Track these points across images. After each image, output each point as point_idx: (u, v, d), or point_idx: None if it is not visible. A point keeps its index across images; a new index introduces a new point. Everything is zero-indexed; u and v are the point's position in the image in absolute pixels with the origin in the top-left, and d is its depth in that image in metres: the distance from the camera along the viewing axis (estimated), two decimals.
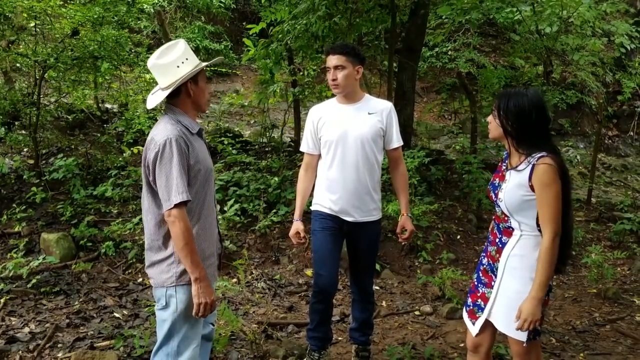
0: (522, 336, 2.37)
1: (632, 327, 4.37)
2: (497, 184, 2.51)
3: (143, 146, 6.89)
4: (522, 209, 2.37)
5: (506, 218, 2.46)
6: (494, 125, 2.47)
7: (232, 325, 3.57)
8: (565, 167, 2.35)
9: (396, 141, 3.33)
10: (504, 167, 2.51)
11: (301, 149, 3.43)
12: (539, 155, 2.31)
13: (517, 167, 2.38)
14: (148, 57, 7.26)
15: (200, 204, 2.44)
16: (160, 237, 2.39)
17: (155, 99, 2.48)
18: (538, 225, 2.36)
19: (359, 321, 3.49)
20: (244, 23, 9.55)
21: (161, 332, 2.42)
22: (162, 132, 2.33)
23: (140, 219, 5.44)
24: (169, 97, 2.43)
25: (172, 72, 2.37)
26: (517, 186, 2.36)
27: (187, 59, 2.41)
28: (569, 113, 10.69)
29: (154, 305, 3.74)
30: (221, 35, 12.77)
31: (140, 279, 4.97)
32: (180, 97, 2.43)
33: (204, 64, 2.49)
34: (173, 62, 2.38)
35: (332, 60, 3.13)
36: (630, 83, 9.51)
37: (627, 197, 7.95)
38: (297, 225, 3.29)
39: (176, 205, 2.24)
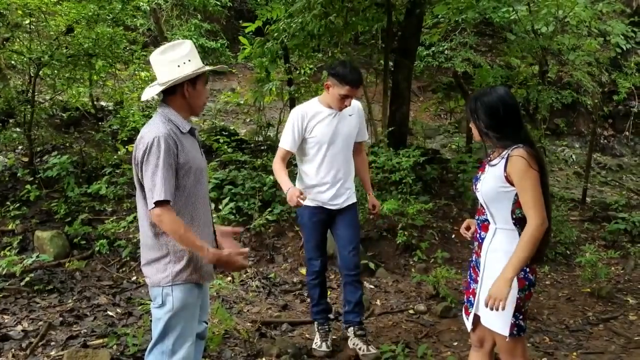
0: (504, 330, 2.40)
1: (625, 326, 4.38)
2: (478, 176, 2.58)
3: None
4: (497, 199, 2.42)
5: (483, 210, 2.54)
6: (474, 129, 2.55)
7: (226, 324, 3.57)
8: (541, 158, 2.40)
9: (365, 135, 3.89)
10: (487, 161, 2.59)
11: (283, 146, 3.60)
12: (513, 147, 2.38)
13: (492, 161, 2.49)
14: (143, 55, 7.23)
15: (193, 203, 2.43)
16: (156, 235, 2.38)
17: (150, 92, 2.50)
18: (513, 219, 2.41)
19: (352, 303, 3.71)
20: (240, 21, 9.53)
21: (156, 330, 2.41)
22: (151, 130, 2.32)
23: (135, 217, 5.42)
24: (164, 94, 2.42)
25: (171, 70, 2.37)
26: (493, 178, 2.43)
27: (189, 60, 2.39)
28: (565, 113, 10.71)
29: (147, 304, 3.75)
30: (217, 33, 12.73)
31: (134, 277, 4.97)
32: (175, 96, 2.42)
33: (206, 68, 2.47)
34: (175, 60, 2.38)
35: (356, 92, 3.53)
36: (625, 83, 9.55)
37: (622, 197, 7.97)
38: (293, 189, 3.39)
39: (157, 204, 2.24)
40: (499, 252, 2.43)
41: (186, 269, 2.39)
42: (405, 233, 5.68)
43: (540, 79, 8.02)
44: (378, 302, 4.78)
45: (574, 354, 3.84)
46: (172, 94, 2.42)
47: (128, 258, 5.16)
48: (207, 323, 2.78)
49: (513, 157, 2.34)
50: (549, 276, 5.56)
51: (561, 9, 7.18)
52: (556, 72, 8.97)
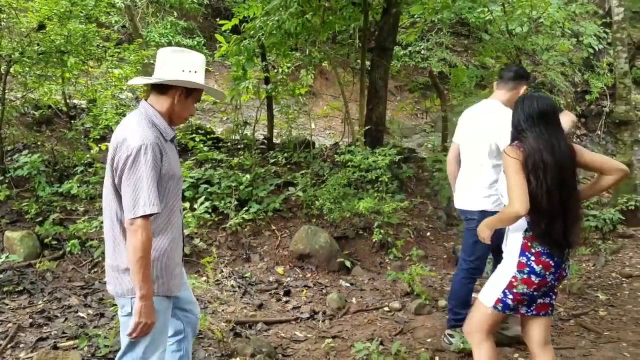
0: (489, 302, 2.67)
1: (595, 322, 4.45)
2: None
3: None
4: (503, 195, 2.65)
5: None
6: None
7: (200, 324, 3.53)
8: (533, 154, 2.48)
9: None
10: None
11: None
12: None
13: None
14: (117, 52, 7.10)
15: (169, 212, 2.34)
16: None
17: (140, 80, 2.42)
18: None
19: None
20: (217, 19, 9.46)
21: (125, 338, 2.30)
22: (137, 134, 2.18)
23: None
24: (154, 90, 2.32)
25: (175, 70, 2.29)
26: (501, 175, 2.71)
27: (196, 71, 2.32)
28: None
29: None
30: (194, 31, 12.63)
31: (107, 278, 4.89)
32: (164, 97, 2.32)
33: (208, 86, 2.41)
34: (183, 64, 2.30)
35: None
36: (598, 83, 9.75)
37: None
38: None
39: (142, 216, 2.12)
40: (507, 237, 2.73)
41: (156, 282, 2.26)
42: (381, 231, 5.71)
43: None
44: (354, 300, 4.79)
45: None
46: (162, 93, 2.32)
47: (100, 258, 5.08)
48: (197, 317, 2.71)
49: (503, 152, 2.62)
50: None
51: (535, 10, 7.29)
52: (530, 72, 9.11)
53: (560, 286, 5.18)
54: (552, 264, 2.54)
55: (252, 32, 6.62)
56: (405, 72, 11.50)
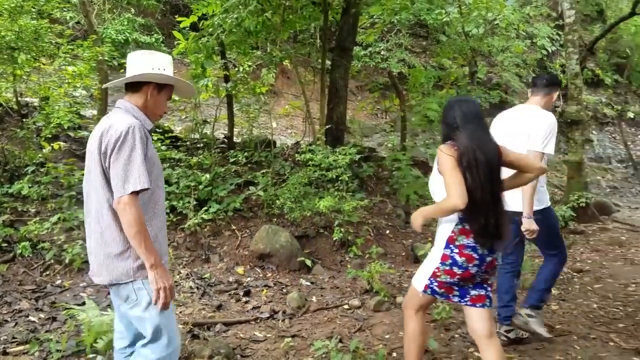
0: (419, 287, 2.82)
1: (548, 316, 4.59)
2: None
3: (63, 142, 6.49)
4: (435, 192, 2.80)
5: None
6: None
7: None
8: (467, 152, 2.61)
9: None
10: None
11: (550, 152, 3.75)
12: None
13: None
14: (70, 49, 6.90)
15: (156, 200, 2.39)
16: (122, 228, 2.25)
17: (114, 81, 2.53)
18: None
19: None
20: (175, 16, 9.29)
21: (144, 329, 2.32)
22: (122, 120, 2.28)
23: (60, 218, 5.19)
24: (127, 90, 2.43)
25: (145, 69, 2.40)
26: (434, 172, 2.81)
27: (165, 69, 2.44)
28: (494, 112, 11.12)
29: (72, 308, 3.60)
30: (152, 28, 12.38)
31: (59, 281, 4.75)
32: (138, 94, 2.43)
33: (179, 79, 2.53)
34: (152, 63, 2.42)
35: None
36: None
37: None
38: None
39: (131, 193, 2.18)
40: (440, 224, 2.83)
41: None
42: (342, 230, 5.75)
43: (470, 79, 8.32)
44: (314, 299, 4.81)
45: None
46: (135, 91, 2.43)
47: (52, 261, 4.92)
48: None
49: (438, 151, 2.72)
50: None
51: (491, 12, 7.48)
52: (486, 73, 9.34)
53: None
54: (476, 257, 2.66)
55: (210, 29, 6.56)
56: (365, 72, 11.59)
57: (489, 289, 2.82)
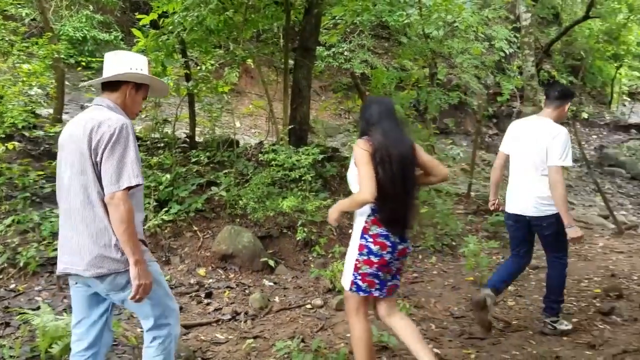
0: (346, 286, 2.94)
1: (504, 312, 4.72)
2: None
3: (18, 142, 6.27)
4: (352, 183, 2.92)
5: None
6: None
7: (114, 331, 3.40)
8: (380, 148, 2.77)
9: None
10: None
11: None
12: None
13: None
14: (25, 47, 6.67)
15: (138, 197, 2.47)
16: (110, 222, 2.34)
17: (95, 80, 2.61)
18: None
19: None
20: (135, 13, 9.11)
21: (145, 311, 2.45)
22: (115, 116, 2.36)
23: (13, 220, 5.03)
24: (105, 89, 2.49)
25: (122, 68, 2.48)
26: (351, 166, 2.95)
27: (142, 69, 2.52)
28: (454, 113, 11.41)
29: (27, 313, 3.50)
30: (111, 25, 12.11)
31: (13, 285, 4.59)
32: (117, 93, 2.50)
33: (154, 78, 2.63)
34: (129, 63, 2.50)
35: None
36: (508, 85, 10.31)
37: (503, 191, 8.59)
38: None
39: (124, 189, 2.26)
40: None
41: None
42: (305, 229, 5.77)
43: (430, 80, 8.46)
44: (277, 299, 4.81)
45: (458, 339, 4.08)
46: (114, 90, 2.50)
47: (5, 265, 4.75)
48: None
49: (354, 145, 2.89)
50: (436, 266, 5.89)
51: (450, 14, 7.63)
52: (445, 74, 9.50)
53: (472, 278, 5.48)
54: (389, 244, 2.85)
55: (171, 27, 6.46)
56: (329, 72, 11.64)
57: (399, 277, 3.07)
